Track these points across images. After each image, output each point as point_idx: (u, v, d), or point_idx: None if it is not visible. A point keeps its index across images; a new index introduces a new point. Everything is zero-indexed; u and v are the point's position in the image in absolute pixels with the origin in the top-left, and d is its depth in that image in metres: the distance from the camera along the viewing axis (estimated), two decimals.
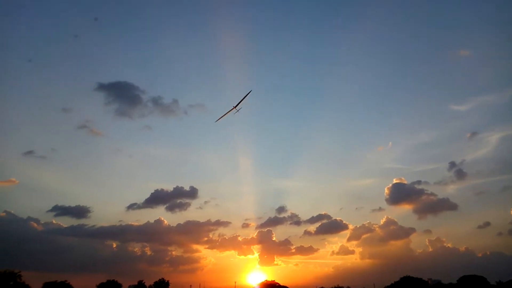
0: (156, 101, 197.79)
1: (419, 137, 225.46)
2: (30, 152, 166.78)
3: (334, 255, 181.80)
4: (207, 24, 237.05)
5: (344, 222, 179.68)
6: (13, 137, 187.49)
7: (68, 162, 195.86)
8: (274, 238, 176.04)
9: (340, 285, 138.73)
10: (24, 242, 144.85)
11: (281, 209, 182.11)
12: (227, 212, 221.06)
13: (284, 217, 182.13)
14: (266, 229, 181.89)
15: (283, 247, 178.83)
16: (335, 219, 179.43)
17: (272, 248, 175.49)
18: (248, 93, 67.85)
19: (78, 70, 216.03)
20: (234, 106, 69.71)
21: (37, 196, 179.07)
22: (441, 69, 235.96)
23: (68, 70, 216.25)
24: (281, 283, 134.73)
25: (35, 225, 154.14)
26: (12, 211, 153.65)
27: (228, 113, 72.21)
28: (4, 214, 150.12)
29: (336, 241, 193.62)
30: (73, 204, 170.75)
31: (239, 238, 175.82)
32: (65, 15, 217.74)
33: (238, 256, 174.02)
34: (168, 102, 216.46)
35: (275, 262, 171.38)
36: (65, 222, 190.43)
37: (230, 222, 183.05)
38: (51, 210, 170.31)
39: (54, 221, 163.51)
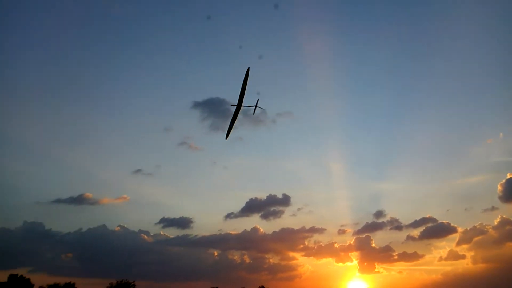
0: (245, 113, 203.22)
1: None
2: (138, 170, 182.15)
3: (442, 260, 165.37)
4: (289, 27, 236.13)
5: (452, 225, 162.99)
6: (124, 158, 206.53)
7: (171, 177, 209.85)
8: (373, 245, 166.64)
9: None
10: (137, 254, 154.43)
11: (379, 214, 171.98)
12: (321, 218, 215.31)
13: (383, 222, 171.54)
14: (364, 235, 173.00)
15: (384, 254, 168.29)
16: (442, 222, 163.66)
17: (372, 255, 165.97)
18: (247, 73, 46.99)
19: (175, 91, 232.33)
20: (237, 105, 49.23)
21: (146, 210, 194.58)
22: None
23: (167, 92, 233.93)
24: None
25: (146, 237, 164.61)
26: (125, 225, 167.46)
27: (235, 120, 52.48)
28: (118, 228, 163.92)
29: (444, 246, 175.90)
30: (177, 216, 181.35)
31: (336, 245, 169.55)
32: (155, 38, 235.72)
33: (336, 264, 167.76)
34: (257, 113, 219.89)
35: (376, 270, 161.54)
36: (171, 233, 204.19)
37: (325, 229, 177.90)
38: (159, 222, 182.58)
39: (161, 233, 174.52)
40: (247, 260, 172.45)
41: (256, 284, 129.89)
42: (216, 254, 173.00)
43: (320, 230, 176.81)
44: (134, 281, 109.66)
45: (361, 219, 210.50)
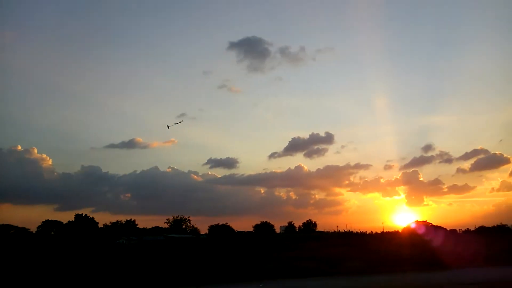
0: (284, 51, 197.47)
1: None
2: (183, 114, 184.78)
3: (494, 192, 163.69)
4: None
5: (505, 155, 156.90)
6: (168, 103, 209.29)
7: (215, 119, 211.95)
8: (421, 178, 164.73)
9: (504, 223, 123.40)
10: (188, 193, 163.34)
11: (428, 148, 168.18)
12: (366, 155, 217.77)
13: (431, 156, 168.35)
14: (411, 170, 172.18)
15: (433, 187, 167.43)
16: (494, 153, 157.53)
17: (420, 188, 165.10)
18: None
19: (211, 32, 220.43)
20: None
21: (194, 152, 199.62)
22: None
23: (203, 33, 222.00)
24: (434, 224, 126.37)
25: (195, 177, 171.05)
26: (175, 167, 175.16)
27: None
28: (169, 169, 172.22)
29: (496, 177, 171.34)
30: (224, 157, 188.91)
31: (382, 180, 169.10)
32: None
33: (383, 198, 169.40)
34: (296, 51, 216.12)
35: (425, 203, 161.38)
36: (219, 172, 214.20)
37: (370, 165, 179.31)
38: (206, 163, 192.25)
39: (209, 173, 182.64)
40: (294, 197, 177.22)
41: (304, 218, 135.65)
42: (263, 191, 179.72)
43: (365, 166, 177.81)
44: (189, 217, 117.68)
45: (408, 154, 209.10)
